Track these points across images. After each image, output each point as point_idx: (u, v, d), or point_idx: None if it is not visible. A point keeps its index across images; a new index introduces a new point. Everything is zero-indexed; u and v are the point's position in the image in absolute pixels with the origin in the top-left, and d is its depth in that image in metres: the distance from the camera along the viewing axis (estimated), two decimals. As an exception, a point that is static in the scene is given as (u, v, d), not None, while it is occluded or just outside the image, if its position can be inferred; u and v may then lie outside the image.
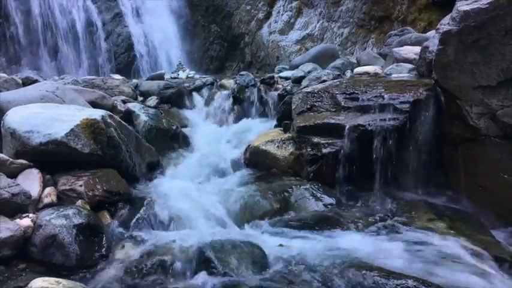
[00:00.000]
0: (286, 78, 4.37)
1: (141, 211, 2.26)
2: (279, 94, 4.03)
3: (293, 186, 2.65)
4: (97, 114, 2.45)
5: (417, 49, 3.34)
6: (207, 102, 4.47)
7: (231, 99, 4.33)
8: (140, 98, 4.29)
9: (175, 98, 4.32)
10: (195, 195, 2.61)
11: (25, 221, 1.91)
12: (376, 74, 3.51)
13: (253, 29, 7.43)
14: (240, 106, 4.26)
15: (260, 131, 3.56)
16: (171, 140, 3.48)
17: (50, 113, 2.40)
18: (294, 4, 7.10)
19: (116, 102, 3.62)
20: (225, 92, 4.49)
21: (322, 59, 4.81)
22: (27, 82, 3.95)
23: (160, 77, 5.05)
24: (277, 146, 3.05)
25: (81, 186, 2.19)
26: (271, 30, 7.24)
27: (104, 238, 2.00)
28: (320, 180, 2.71)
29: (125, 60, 6.97)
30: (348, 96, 2.89)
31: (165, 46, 7.25)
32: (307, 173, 2.80)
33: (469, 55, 2.33)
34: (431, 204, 2.47)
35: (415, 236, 2.14)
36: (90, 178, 2.25)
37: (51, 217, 1.93)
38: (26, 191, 2.02)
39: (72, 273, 1.80)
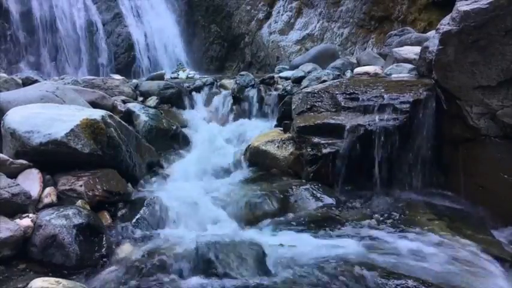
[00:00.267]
0: (286, 79, 4.37)
1: (141, 211, 2.26)
2: (279, 94, 4.03)
3: (293, 186, 2.65)
4: (97, 114, 2.44)
5: (417, 49, 3.34)
6: (207, 103, 4.47)
7: (231, 100, 4.33)
8: (140, 98, 4.29)
9: (175, 98, 4.32)
10: (195, 195, 2.61)
11: (25, 221, 1.90)
12: (376, 74, 3.52)
13: (253, 29, 7.43)
14: (240, 106, 4.26)
15: (260, 131, 3.56)
16: (171, 140, 3.48)
17: (50, 113, 2.40)
18: (294, 4, 7.10)
19: (116, 102, 3.62)
20: (225, 92, 4.49)
21: (322, 59, 4.81)
22: (27, 82, 3.95)
23: (160, 77, 5.05)
24: (277, 146, 3.05)
25: (81, 186, 2.18)
26: (271, 31, 7.24)
27: (104, 238, 2.00)
28: (320, 180, 2.71)
29: (125, 61, 6.97)
30: (348, 96, 2.89)
31: (165, 46, 7.25)
32: (307, 173, 2.80)
33: (469, 55, 2.33)
34: (431, 204, 2.47)
35: (415, 236, 2.14)
36: (90, 178, 2.25)
37: (51, 217, 1.93)
38: (26, 191, 2.02)
39: (72, 273, 1.80)
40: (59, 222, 1.90)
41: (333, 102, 2.92)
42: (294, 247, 2.04)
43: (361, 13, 6.40)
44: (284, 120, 3.34)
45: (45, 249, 1.86)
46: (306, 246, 2.05)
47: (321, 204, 2.52)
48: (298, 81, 4.08)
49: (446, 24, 2.44)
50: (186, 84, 4.68)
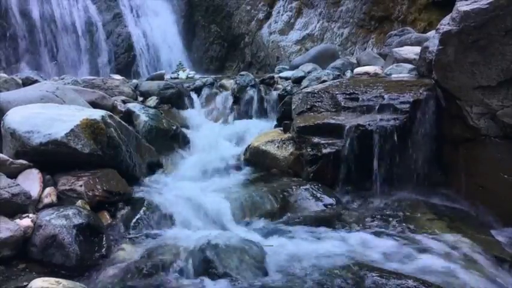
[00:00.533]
0: (286, 79, 4.38)
1: (141, 211, 2.26)
2: (279, 94, 4.03)
3: (293, 187, 2.65)
4: (97, 114, 2.44)
5: (417, 49, 3.34)
6: (207, 103, 4.47)
7: (231, 100, 4.33)
8: (140, 98, 4.28)
9: (175, 98, 4.31)
10: (195, 195, 2.61)
11: (25, 221, 1.90)
12: (376, 74, 3.52)
13: (253, 29, 7.43)
14: (240, 106, 4.26)
15: (260, 131, 3.56)
16: (171, 140, 3.48)
17: (50, 113, 2.40)
18: (294, 4, 7.11)
19: (116, 102, 3.61)
20: (225, 92, 4.49)
21: (322, 59, 4.82)
22: (27, 82, 3.95)
23: (160, 77, 5.05)
24: (277, 146, 3.05)
25: (81, 186, 2.18)
26: (271, 31, 7.24)
27: (104, 238, 2.00)
28: (320, 180, 2.71)
29: (125, 61, 6.97)
30: (348, 96, 2.89)
31: (165, 46, 7.25)
32: (307, 173, 2.80)
33: (469, 55, 2.33)
34: (431, 204, 2.47)
35: (415, 236, 2.14)
36: (90, 178, 2.25)
37: (51, 217, 1.93)
38: (26, 191, 2.02)
39: (72, 273, 1.80)
40: (59, 222, 1.90)
41: (333, 102, 2.92)
42: (294, 247, 2.04)
43: (361, 13, 6.41)
44: (284, 120, 3.34)
45: (45, 249, 1.86)
46: (306, 246, 2.05)
47: (321, 204, 2.52)
48: (298, 81, 4.09)
49: (446, 24, 2.44)
50: (186, 84, 4.68)
